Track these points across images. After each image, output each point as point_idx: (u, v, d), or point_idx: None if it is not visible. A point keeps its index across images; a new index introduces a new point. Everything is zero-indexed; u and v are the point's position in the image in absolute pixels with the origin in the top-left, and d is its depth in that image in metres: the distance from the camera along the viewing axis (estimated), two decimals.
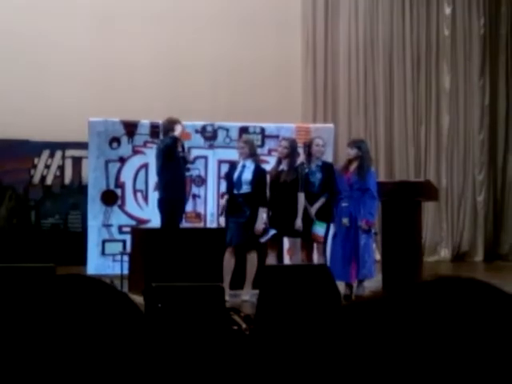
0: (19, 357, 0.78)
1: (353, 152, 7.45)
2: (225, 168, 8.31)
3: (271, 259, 7.39)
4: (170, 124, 7.61)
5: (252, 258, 7.33)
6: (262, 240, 7.38)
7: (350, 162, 7.51)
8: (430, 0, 11.65)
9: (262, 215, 7.31)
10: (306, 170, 7.49)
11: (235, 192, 7.34)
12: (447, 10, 11.65)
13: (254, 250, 7.34)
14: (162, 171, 7.53)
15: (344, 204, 7.34)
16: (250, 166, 7.39)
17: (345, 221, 7.29)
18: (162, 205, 7.53)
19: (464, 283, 0.67)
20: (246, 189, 7.32)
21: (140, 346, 0.82)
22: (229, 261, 7.32)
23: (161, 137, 8.15)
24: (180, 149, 7.66)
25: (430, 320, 0.63)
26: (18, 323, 0.80)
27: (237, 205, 7.32)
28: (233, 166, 7.56)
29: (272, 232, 7.37)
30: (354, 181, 7.37)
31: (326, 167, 7.57)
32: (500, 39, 11.77)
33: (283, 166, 7.49)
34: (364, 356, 0.62)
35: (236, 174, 7.37)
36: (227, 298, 6.96)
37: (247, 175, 7.34)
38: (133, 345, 0.81)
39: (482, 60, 11.67)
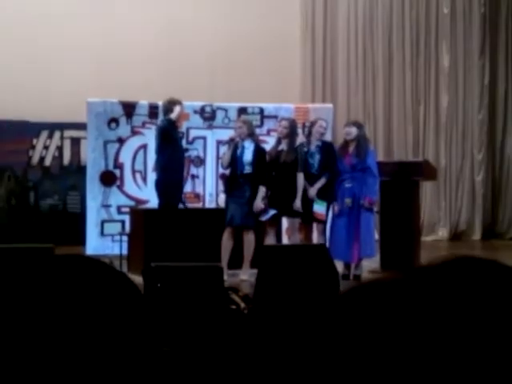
0: (18, 337, 0.79)
1: (353, 130, 7.44)
2: (223, 149, 8.28)
3: (270, 239, 7.40)
4: (170, 104, 7.60)
5: (249, 238, 7.34)
6: (263, 219, 7.39)
7: (347, 143, 7.48)
8: None
9: (262, 193, 7.32)
10: (306, 150, 7.48)
11: (237, 172, 7.35)
12: None
13: (251, 229, 7.35)
14: (159, 153, 7.53)
15: (347, 185, 7.33)
16: (249, 146, 7.38)
17: (348, 201, 7.30)
18: (159, 186, 7.54)
19: (486, 265, 0.63)
20: (247, 170, 7.32)
21: (139, 325, 0.82)
22: (227, 241, 7.34)
23: (160, 117, 8.14)
24: (178, 131, 7.67)
25: (448, 307, 0.60)
26: (17, 304, 0.80)
27: (238, 185, 7.32)
28: (235, 145, 7.44)
29: (272, 212, 7.38)
30: (354, 161, 7.37)
31: (326, 147, 7.55)
32: (500, 18, 11.70)
33: (283, 146, 7.48)
34: (370, 342, 0.59)
35: (236, 155, 7.36)
36: (226, 277, 6.98)
37: (248, 156, 7.33)
38: (132, 324, 0.82)
39: (482, 39, 11.61)
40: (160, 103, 8.10)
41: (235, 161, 7.35)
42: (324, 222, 7.45)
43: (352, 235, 7.29)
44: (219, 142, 9.04)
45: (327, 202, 7.42)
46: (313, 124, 7.69)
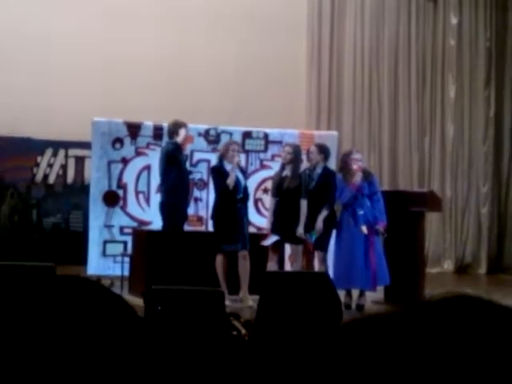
0: (15, 356, 0.78)
1: (361, 158, 7.53)
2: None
3: (272, 265, 7.36)
4: (175, 127, 7.60)
5: (244, 261, 7.30)
6: (265, 244, 7.36)
7: (350, 170, 7.44)
8: (437, 9, 11.65)
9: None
10: (309, 176, 7.48)
11: (236, 196, 7.37)
12: (454, 20, 11.65)
13: (245, 251, 7.32)
14: (164, 175, 7.53)
15: (360, 212, 7.30)
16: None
17: (364, 228, 7.25)
18: (164, 209, 7.53)
19: (479, 304, 0.65)
20: (242, 193, 7.38)
21: (135, 348, 0.81)
22: (222, 265, 7.31)
23: (165, 139, 8.14)
24: (183, 154, 7.70)
25: (440, 343, 0.61)
26: (15, 322, 0.80)
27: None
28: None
29: (275, 237, 7.35)
30: (362, 187, 7.36)
31: (327, 175, 7.52)
32: (506, 52, 11.76)
33: (287, 172, 7.47)
34: (366, 372, 0.61)
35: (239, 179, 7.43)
36: (227, 302, 6.96)
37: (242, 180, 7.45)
38: (128, 347, 0.81)
39: (488, 71, 11.66)
40: (165, 125, 8.11)
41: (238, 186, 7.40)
42: (323, 251, 7.43)
43: (368, 262, 7.24)
44: None
45: (328, 231, 7.40)
46: (307, 152, 7.77)
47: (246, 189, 7.49)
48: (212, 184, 7.83)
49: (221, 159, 7.44)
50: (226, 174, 7.31)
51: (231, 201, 7.31)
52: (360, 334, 0.64)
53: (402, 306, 0.67)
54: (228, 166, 7.35)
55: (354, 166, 7.39)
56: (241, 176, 7.44)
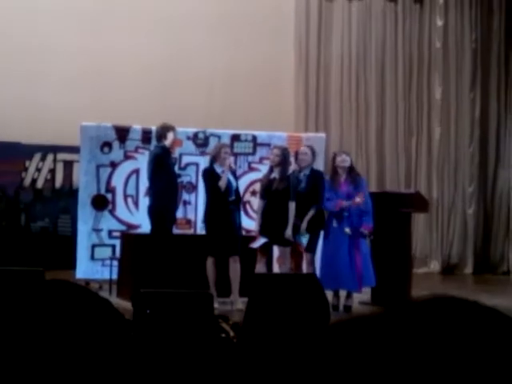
0: (5, 359, 0.79)
1: (348, 159, 7.53)
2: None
3: (260, 267, 7.38)
4: (163, 130, 7.62)
5: (235, 264, 7.33)
6: (254, 246, 7.38)
7: (337, 172, 7.50)
8: (423, 12, 11.72)
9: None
10: (297, 178, 7.51)
11: (228, 199, 7.39)
12: (439, 23, 11.72)
13: (236, 255, 7.35)
14: (152, 179, 7.54)
15: (345, 214, 7.35)
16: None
17: (347, 230, 7.30)
18: (152, 212, 7.53)
19: (465, 305, 0.65)
20: (234, 195, 7.39)
21: (124, 351, 0.82)
22: (213, 268, 7.33)
23: (154, 142, 8.15)
24: (172, 157, 7.71)
25: (425, 344, 0.62)
26: (5, 327, 0.81)
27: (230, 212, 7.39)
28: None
29: (263, 240, 7.38)
30: (350, 190, 7.39)
31: (315, 176, 7.56)
32: (492, 54, 11.84)
33: (275, 174, 7.49)
34: (353, 373, 0.62)
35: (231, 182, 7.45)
36: (216, 305, 6.97)
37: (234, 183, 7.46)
38: (116, 351, 0.82)
39: (473, 73, 11.74)
40: (154, 128, 8.12)
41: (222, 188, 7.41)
42: (311, 253, 7.46)
43: (354, 264, 7.28)
44: None
45: (316, 232, 7.43)
46: (297, 153, 7.76)
47: (237, 191, 7.51)
48: (203, 187, 7.84)
49: (212, 162, 7.46)
50: (217, 177, 7.34)
51: (223, 203, 7.33)
52: (347, 334, 0.64)
53: (388, 307, 0.67)
54: (219, 169, 7.37)
55: (339, 170, 7.46)
56: (232, 178, 7.47)
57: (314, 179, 7.49)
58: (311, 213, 7.36)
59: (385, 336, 0.63)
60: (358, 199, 7.29)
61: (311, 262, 7.45)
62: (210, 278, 7.30)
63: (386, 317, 0.66)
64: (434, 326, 0.63)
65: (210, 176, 7.42)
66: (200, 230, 9.06)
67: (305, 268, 7.50)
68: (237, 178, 7.69)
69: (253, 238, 7.53)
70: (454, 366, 0.61)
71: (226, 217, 7.30)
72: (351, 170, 7.53)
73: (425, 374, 0.61)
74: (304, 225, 7.33)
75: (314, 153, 7.75)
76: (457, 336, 0.62)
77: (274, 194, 7.38)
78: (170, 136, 7.59)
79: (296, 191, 7.39)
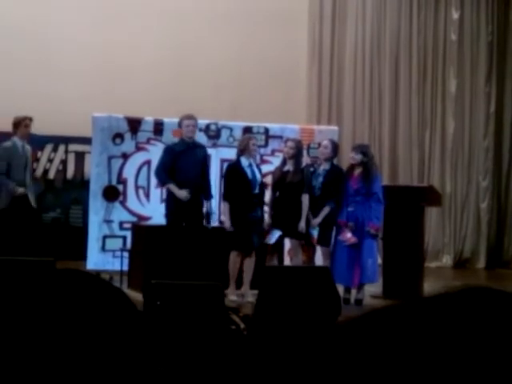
0: (16, 350, 0.78)
1: (357, 157, 7.37)
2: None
3: (272, 260, 7.36)
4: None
5: (250, 258, 7.31)
6: (271, 242, 7.35)
7: (353, 167, 7.43)
8: (438, 4, 11.62)
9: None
10: (312, 171, 7.47)
11: (253, 192, 7.33)
12: (455, 15, 11.62)
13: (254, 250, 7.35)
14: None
15: (350, 209, 7.28)
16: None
17: (350, 225, 7.24)
18: (169, 204, 7.54)
19: (501, 297, 0.63)
20: (258, 189, 7.33)
21: (134, 342, 0.81)
22: (236, 262, 7.30)
23: (167, 134, 8.14)
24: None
25: (461, 336, 0.60)
26: (16, 317, 0.80)
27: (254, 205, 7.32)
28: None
29: (278, 233, 7.34)
30: (359, 186, 7.31)
31: (334, 172, 7.49)
32: (508, 47, 11.73)
33: (289, 167, 7.45)
34: (365, 367, 0.60)
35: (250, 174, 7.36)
36: (235, 298, 6.99)
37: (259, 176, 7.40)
38: (127, 341, 0.81)
39: (489, 66, 11.64)
40: (166, 120, 8.11)
41: (246, 180, 7.35)
42: (314, 247, 7.44)
43: (353, 260, 7.23)
44: (223, 161, 9.03)
45: (329, 226, 7.39)
46: (319, 146, 7.72)
47: (261, 185, 7.43)
48: (223, 181, 7.76)
49: (239, 155, 7.38)
50: (243, 172, 7.27)
51: (248, 197, 7.27)
52: (359, 328, 0.63)
53: (402, 300, 0.65)
54: (246, 162, 7.31)
55: (354, 165, 7.41)
56: (257, 171, 7.40)
57: (334, 174, 7.42)
58: (326, 210, 7.31)
59: (401, 329, 0.61)
60: (348, 237, 7.20)
61: (327, 256, 7.39)
62: (232, 272, 7.26)
63: (417, 308, 0.63)
64: (470, 317, 0.61)
65: (236, 171, 7.31)
66: (212, 221, 9.05)
67: (321, 261, 7.46)
68: (261, 172, 7.58)
69: (265, 232, 7.49)
70: (491, 359, 0.59)
71: (251, 211, 7.25)
72: (368, 165, 7.39)
73: (457, 366, 0.58)
74: (319, 219, 7.28)
75: (335, 147, 7.69)
76: (493, 328, 0.60)
77: (287, 186, 7.34)
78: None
79: (311, 185, 7.34)
